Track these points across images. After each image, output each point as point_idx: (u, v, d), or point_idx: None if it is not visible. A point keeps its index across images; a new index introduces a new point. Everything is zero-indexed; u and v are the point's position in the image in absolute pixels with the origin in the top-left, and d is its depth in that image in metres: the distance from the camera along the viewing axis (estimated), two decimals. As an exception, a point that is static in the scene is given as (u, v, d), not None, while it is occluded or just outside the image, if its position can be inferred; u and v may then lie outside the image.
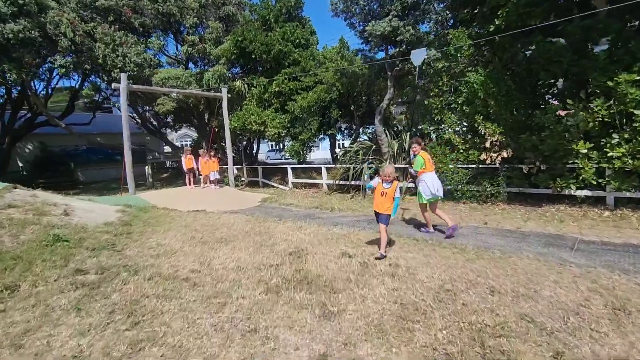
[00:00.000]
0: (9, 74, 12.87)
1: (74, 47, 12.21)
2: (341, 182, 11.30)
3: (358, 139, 13.57)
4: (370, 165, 10.27)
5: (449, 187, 8.54)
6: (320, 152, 43.06)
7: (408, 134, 9.62)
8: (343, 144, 21.19)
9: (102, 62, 12.27)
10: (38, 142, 21.54)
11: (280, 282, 3.75)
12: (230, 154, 13.37)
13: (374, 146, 10.18)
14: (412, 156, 6.04)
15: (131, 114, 23.63)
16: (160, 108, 12.68)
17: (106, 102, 22.49)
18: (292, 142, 13.43)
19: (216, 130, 13.97)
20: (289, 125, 13.38)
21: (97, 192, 16.34)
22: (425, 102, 9.42)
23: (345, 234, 5.94)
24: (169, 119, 22.55)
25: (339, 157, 14.65)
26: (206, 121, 18.86)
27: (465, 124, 8.68)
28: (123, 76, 10.44)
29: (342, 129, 14.43)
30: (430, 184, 5.53)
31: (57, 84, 17.99)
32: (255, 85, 13.67)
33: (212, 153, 11.35)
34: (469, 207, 7.84)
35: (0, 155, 18.88)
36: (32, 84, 16.43)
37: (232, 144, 19.18)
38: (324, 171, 12.21)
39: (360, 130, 14.33)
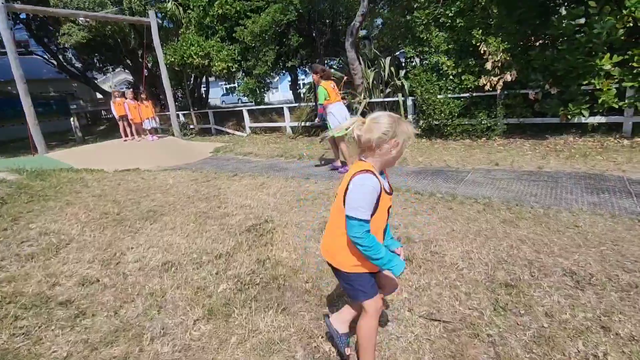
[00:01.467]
0: None
1: None
2: (308, 123, 9.59)
3: (324, 72, 11.59)
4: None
5: (436, 122, 7.18)
6: (279, 94, 39.89)
7: (387, 59, 7.87)
8: (305, 82, 18.94)
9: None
10: None
11: (231, 294, 2.26)
12: (170, 97, 10.97)
13: (345, 77, 8.40)
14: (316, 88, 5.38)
15: (42, 54, 19.39)
16: (67, 40, 9.69)
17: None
18: (246, 79, 11.21)
19: (149, 66, 11.30)
20: (239, 57, 11.03)
21: (12, 154, 13.41)
22: (408, 18, 7.58)
23: (323, 190, 4.46)
24: (93, 60, 18.71)
25: (302, 95, 12.73)
26: (140, 59, 15.67)
27: (455, 43, 7.07)
28: (-4, -10, 7.45)
29: (304, 62, 12.25)
30: (339, 115, 5.13)
31: None
32: (192, 7, 10.87)
33: (143, 96, 8.97)
34: (464, 145, 6.58)
35: None
36: None
37: (177, 87, 16.36)
38: (286, 112, 10.35)
39: (325, 62, 12.26)
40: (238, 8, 10.75)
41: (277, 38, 10.56)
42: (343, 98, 6.06)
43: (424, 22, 7.31)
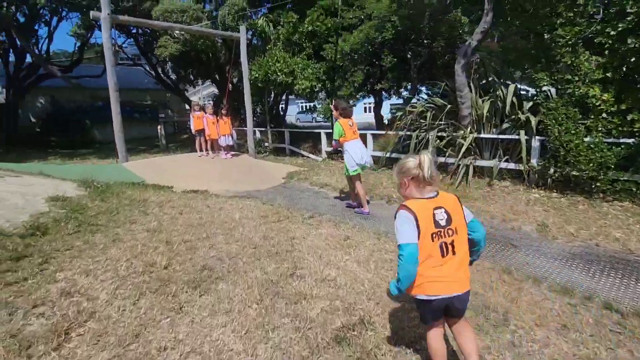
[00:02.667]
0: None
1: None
2: (394, 154, 8.28)
3: (416, 98, 10.27)
4: (441, 135, 7.15)
5: (578, 173, 5.34)
6: (355, 116, 39.34)
7: (510, 87, 6.27)
8: (392, 106, 17.72)
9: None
10: (49, 96, 19.75)
11: None
12: (249, 113, 10.58)
13: (449, 106, 6.98)
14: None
15: (144, 65, 21.21)
16: (162, 52, 9.92)
17: (121, 52, 20.09)
18: (328, 100, 10.37)
19: (233, 81, 11.12)
20: (324, 77, 10.27)
21: (104, 155, 14.36)
22: (545, 37, 5.97)
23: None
24: (187, 73, 19.86)
25: (386, 119, 11.53)
26: (227, 75, 16.02)
27: (615, 71, 5.25)
28: (104, 1, 7.64)
29: (393, 85, 11.07)
30: (353, 152, 5.04)
31: (56, 26, 15.61)
32: (282, 23, 10.48)
33: (223, 111, 8.56)
34: (627, 212, 4.66)
35: (6, 110, 17.24)
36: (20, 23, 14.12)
37: (257, 102, 16.41)
38: (369, 140, 9.17)
39: (417, 87, 10.93)
40: (329, 25, 10.06)
41: (368, 58, 9.57)
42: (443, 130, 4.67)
43: (569, 43, 5.63)
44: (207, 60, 15.71)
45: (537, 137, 6.00)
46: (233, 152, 9.47)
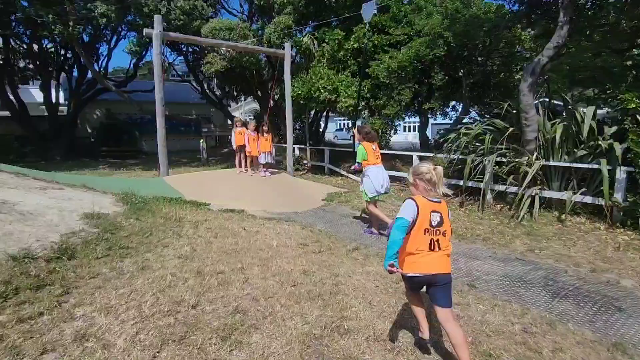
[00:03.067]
0: (53, 27, 11.28)
1: (115, -11, 10.02)
2: (446, 180, 7.60)
3: (467, 119, 9.56)
4: (500, 159, 6.41)
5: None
6: (397, 136, 38.51)
7: (589, 109, 5.44)
8: (439, 126, 16.96)
9: (144, 8, 9.91)
10: (105, 109, 21.07)
11: None
12: (290, 130, 10.37)
13: (511, 129, 6.24)
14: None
15: (190, 79, 22.12)
16: (208, 68, 10.07)
17: (171, 68, 21.15)
18: (372, 119, 9.93)
19: (275, 98, 11.04)
20: (368, 94, 9.88)
21: (149, 167, 14.84)
22: (635, 52, 5.16)
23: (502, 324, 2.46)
24: (230, 89, 20.42)
25: (432, 140, 10.86)
26: (269, 91, 16.17)
27: None
28: (157, 19, 7.85)
29: (441, 105, 10.43)
30: (374, 178, 4.95)
31: (115, 44, 16.65)
32: (327, 40, 10.30)
33: (265, 128, 8.37)
34: None
35: (67, 121, 18.53)
36: (84, 42, 15.15)
37: (296, 119, 16.36)
38: (415, 162, 8.57)
39: (470, 107, 10.20)
40: (376, 42, 9.72)
41: (417, 76, 9.05)
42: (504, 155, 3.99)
43: (666, 59, 4.80)
44: (250, 77, 15.98)
45: (623, 168, 5.12)
46: (272, 170, 9.23)
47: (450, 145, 7.28)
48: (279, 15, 11.29)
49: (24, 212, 3.53)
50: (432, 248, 2.04)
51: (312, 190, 8.21)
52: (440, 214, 2.06)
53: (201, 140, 16.03)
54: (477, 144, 6.87)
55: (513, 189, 6.21)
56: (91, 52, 17.70)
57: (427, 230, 2.02)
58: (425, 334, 2.28)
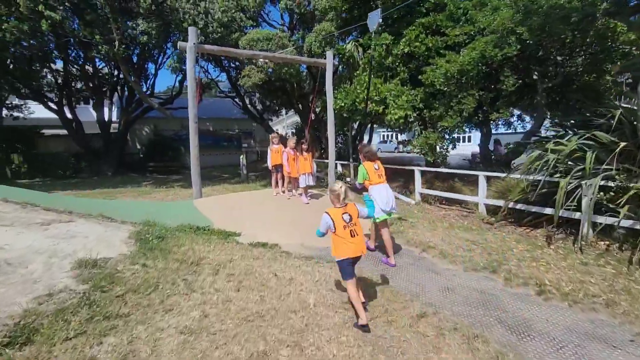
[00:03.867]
0: (100, 47, 11.45)
1: (155, 5, 9.85)
2: (520, 206, 6.12)
3: (543, 129, 7.95)
4: (607, 183, 4.88)
5: None
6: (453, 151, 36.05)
7: None
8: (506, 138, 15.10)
9: (183, 23, 9.61)
10: (152, 125, 21.71)
11: None
12: (332, 145, 9.38)
13: (623, 144, 4.73)
14: None
15: (231, 94, 22.17)
16: (246, 81, 9.48)
17: (213, 84, 21.37)
18: (426, 132, 8.66)
19: (316, 111, 10.19)
20: (421, 105, 8.65)
21: (190, 184, 14.65)
22: None
23: None
24: (271, 103, 20.10)
25: (496, 155, 9.33)
26: (310, 104, 15.47)
27: None
28: (191, 31, 7.35)
29: (512, 112, 8.87)
30: (378, 197, 4.75)
31: (162, 63, 17.01)
32: (373, 46, 9.28)
33: (304, 146, 7.44)
34: None
35: (118, 138, 19.21)
36: (133, 62, 15.52)
37: (338, 132, 15.45)
38: (481, 183, 7.14)
39: (547, 117, 8.53)
40: (430, 45, 8.51)
41: (481, 81, 7.68)
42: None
43: None
44: (291, 90, 15.40)
45: None
46: (312, 192, 8.26)
47: (533, 164, 5.81)
48: (319, 23, 10.51)
49: (1, 261, 2.82)
50: (352, 236, 3.11)
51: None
52: (349, 214, 3.16)
53: (241, 156, 15.62)
54: (570, 163, 5.37)
55: (627, 222, 4.66)
56: (140, 71, 18.30)
57: (344, 226, 3.11)
58: (364, 319, 2.91)
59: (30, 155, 19.36)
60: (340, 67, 11.28)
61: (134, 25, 10.27)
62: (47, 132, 21.13)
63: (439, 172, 8.51)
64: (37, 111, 18.65)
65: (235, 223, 6.14)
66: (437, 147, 8.27)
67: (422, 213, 8.04)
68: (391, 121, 8.33)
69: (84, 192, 11.49)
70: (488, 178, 7.23)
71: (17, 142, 19.52)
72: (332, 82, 9.28)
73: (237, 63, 15.45)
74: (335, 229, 3.11)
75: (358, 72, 9.44)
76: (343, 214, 3.12)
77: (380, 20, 7.96)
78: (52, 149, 20.11)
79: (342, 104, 8.81)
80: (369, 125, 14.74)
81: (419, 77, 8.53)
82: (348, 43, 9.96)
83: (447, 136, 8.59)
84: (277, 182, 7.84)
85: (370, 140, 16.14)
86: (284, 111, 21.78)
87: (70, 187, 13.67)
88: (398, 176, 10.48)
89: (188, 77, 7.55)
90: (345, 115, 8.94)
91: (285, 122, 39.45)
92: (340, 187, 3.16)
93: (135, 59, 17.59)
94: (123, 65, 12.02)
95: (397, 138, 42.94)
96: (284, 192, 7.73)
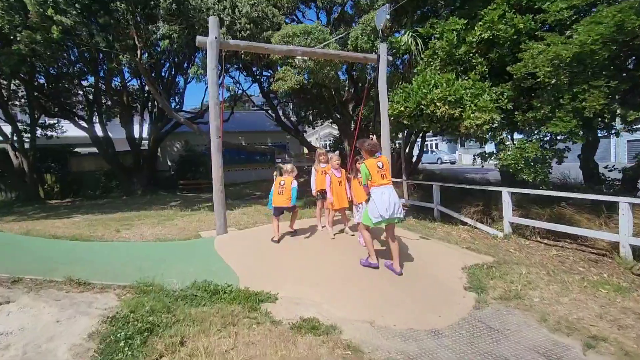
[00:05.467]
0: (121, 57, 10.34)
1: (176, 4, 8.53)
2: None
3: None
4: None
5: None
6: (465, 156, 32.74)
7: None
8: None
9: (206, 21, 8.16)
10: (183, 141, 20.84)
11: None
12: (388, 158, 7.40)
13: None
14: None
15: (263, 106, 20.84)
16: (280, 86, 7.79)
17: (245, 97, 20.22)
18: (520, 141, 6.47)
19: (362, 119, 8.33)
20: (509, 105, 6.50)
21: (232, 197, 13.21)
22: None
23: None
24: (306, 114, 18.50)
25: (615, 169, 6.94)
26: (351, 113, 13.62)
27: None
28: (212, 22, 5.79)
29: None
30: (379, 201, 4.25)
31: (190, 79, 15.97)
32: (437, 35, 7.30)
33: (358, 164, 5.52)
34: None
35: (148, 155, 18.40)
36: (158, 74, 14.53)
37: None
38: (625, 213, 4.82)
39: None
40: (521, 26, 6.38)
41: (609, 67, 5.41)
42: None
43: None
44: (329, 97, 13.68)
45: None
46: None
47: None
48: (367, 14, 8.69)
49: None
50: (280, 193, 5.41)
51: (439, 264, 4.99)
52: (284, 182, 5.40)
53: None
54: None
55: None
56: (170, 85, 17.45)
57: (279, 189, 5.45)
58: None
59: (63, 174, 19.05)
60: (396, 62, 9.34)
61: (154, 29, 8.99)
62: (82, 150, 20.90)
63: (540, 195, 6.23)
64: (70, 130, 18.24)
65: (269, 276, 4.32)
66: (541, 164, 6.02)
67: (521, 252, 5.81)
68: (470, 128, 6.23)
69: (103, 217, 10.28)
70: (633, 205, 4.90)
71: (51, 162, 19.36)
72: (385, 82, 7.37)
73: (270, 71, 14.02)
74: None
75: (419, 68, 7.46)
76: (280, 182, 5.39)
77: (388, 16, 7.14)
78: (86, 167, 19.73)
79: (402, 108, 6.84)
80: (421, 133, 12.61)
81: (507, 68, 6.40)
82: (404, 34, 8.04)
83: (547, 146, 6.32)
84: (320, 213, 5.96)
85: (421, 153, 13.94)
86: (319, 122, 20.08)
87: (95, 209, 12.67)
88: (470, 197, 8.24)
89: (209, 81, 5.95)
90: (405, 122, 6.97)
91: (318, 134, 37.89)
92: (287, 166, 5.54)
93: (164, 74, 16.76)
94: (146, 76, 10.84)
95: (437, 147, 39.92)
96: (331, 228, 5.80)
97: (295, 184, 5.30)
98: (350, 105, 13.79)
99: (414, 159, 13.68)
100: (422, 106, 6.52)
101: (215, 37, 5.87)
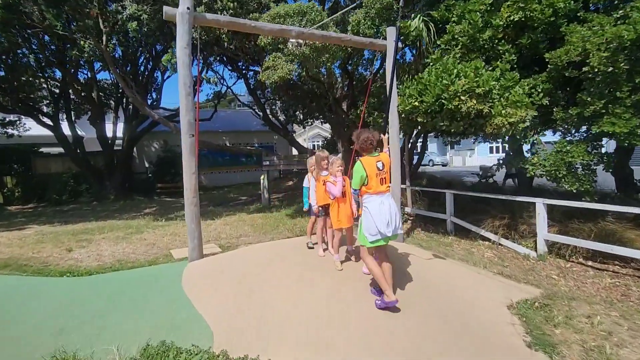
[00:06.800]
0: (83, 42, 8.87)
1: (145, -22, 7.18)
2: None
3: None
4: None
5: None
6: (475, 159, 32.12)
7: None
8: None
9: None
10: (162, 141, 19.26)
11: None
12: (397, 165, 6.24)
13: None
14: None
15: (250, 105, 19.50)
16: (269, 75, 6.48)
17: (230, 94, 18.82)
18: (560, 142, 5.40)
19: (361, 117, 7.18)
20: (545, 99, 5.44)
21: (214, 202, 11.91)
22: None
23: None
24: (296, 113, 17.26)
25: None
26: (345, 110, 12.45)
27: None
28: (182, -11, 4.49)
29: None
30: (376, 214, 3.30)
31: (167, 77, 14.47)
32: (455, 18, 6.19)
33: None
34: None
35: (121, 156, 16.79)
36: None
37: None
38: None
39: None
40: (560, 5, 5.32)
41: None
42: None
43: None
44: (321, 94, 12.48)
45: None
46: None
47: None
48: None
49: None
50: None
51: (475, 299, 3.83)
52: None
53: (262, 177, 12.71)
54: None
55: None
56: (147, 79, 15.93)
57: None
58: None
59: (26, 177, 17.21)
60: (406, 51, 8.19)
61: (120, 8, 7.60)
62: (49, 150, 19.03)
63: (576, 207, 5.16)
64: (35, 128, 16.44)
65: (258, 332, 3.06)
66: (589, 172, 4.96)
67: (567, 280, 4.73)
68: (502, 127, 5.13)
69: (60, 229, 8.78)
70: None
71: (12, 163, 17.49)
72: (393, 72, 6.20)
73: (258, 66, 12.72)
74: None
75: (434, 56, 6.33)
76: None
77: None
78: (52, 169, 17.90)
79: (417, 103, 5.69)
80: (423, 133, 11.56)
81: (545, 55, 5.33)
82: (415, 18, 6.91)
83: (590, 150, 5.28)
84: (322, 236, 4.72)
85: (423, 154, 12.89)
86: (309, 121, 18.86)
87: (56, 218, 11.11)
88: (490, 207, 7.15)
89: (179, 63, 4.65)
90: (420, 120, 5.82)
91: (306, 135, 36.57)
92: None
93: (141, 67, 15.24)
94: (112, 65, 9.39)
95: (427, 149, 39.17)
96: (333, 253, 4.57)
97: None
98: (345, 103, 12.61)
99: (413, 162, 12.63)
100: (443, 100, 5.37)
101: (188, 8, 4.58)
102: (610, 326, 3.35)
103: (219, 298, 3.56)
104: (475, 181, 12.03)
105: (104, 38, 8.85)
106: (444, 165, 32.26)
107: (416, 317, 3.31)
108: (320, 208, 4.38)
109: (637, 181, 6.81)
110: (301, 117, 17.46)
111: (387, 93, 5.65)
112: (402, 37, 7.21)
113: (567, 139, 5.60)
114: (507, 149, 6.82)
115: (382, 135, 4.34)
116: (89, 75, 14.33)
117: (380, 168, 3.43)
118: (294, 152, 18.92)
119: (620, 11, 4.93)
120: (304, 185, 4.98)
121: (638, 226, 5.30)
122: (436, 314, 3.42)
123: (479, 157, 32.78)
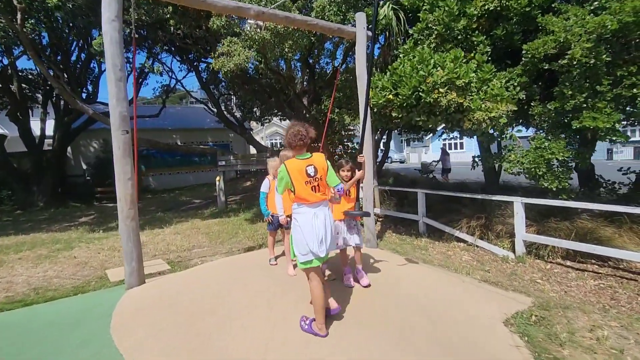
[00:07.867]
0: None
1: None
2: None
3: None
4: None
5: None
6: (431, 156, 33.18)
7: None
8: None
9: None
10: (101, 140, 17.26)
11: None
12: (370, 163, 5.71)
13: None
14: None
15: (204, 100, 18.14)
16: (224, 63, 5.59)
17: (181, 88, 17.31)
18: (537, 139, 5.16)
19: (311, 113, 6.58)
20: (521, 93, 5.18)
21: (151, 216, 10.58)
22: None
23: None
24: (253, 109, 16.27)
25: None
26: (306, 105, 11.77)
27: None
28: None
29: None
30: (307, 230, 2.72)
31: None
32: (427, 6, 5.77)
33: (345, 171, 3.69)
34: None
35: (53, 157, 14.71)
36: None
37: (339, 140, 11.85)
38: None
39: None
40: (536, -5, 5.07)
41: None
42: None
43: None
44: (280, 88, 11.72)
45: None
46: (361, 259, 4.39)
47: None
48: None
49: None
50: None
51: (466, 314, 3.36)
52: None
53: (217, 178, 11.64)
54: None
55: None
56: (81, 70, 14.06)
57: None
58: None
59: None
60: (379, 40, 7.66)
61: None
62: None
63: (555, 205, 4.96)
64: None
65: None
66: (563, 168, 4.77)
67: (550, 284, 4.48)
68: (482, 122, 4.78)
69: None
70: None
71: None
72: (366, 61, 5.65)
73: (212, 56, 11.57)
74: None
75: (406, 46, 5.87)
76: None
77: None
78: (-34, 173, 15.26)
79: (391, 96, 5.18)
80: (386, 131, 11.25)
81: (523, 47, 5.06)
82: (382, 6, 6.41)
83: (585, 148, 5.11)
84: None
85: (387, 150, 12.60)
86: (267, 119, 17.94)
87: (-36, 232, 9.22)
88: (456, 205, 6.88)
89: (105, 41, 3.68)
90: (394, 114, 5.32)
91: (263, 133, 35.36)
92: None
93: (73, 56, 13.37)
94: (30, 49, 7.88)
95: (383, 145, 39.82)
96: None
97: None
98: (306, 99, 11.94)
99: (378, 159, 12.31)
100: (421, 93, 4.90)
101: (116, -29, 3.62)
102: (617, 341, 3.03)
103: (162, 350, 2.71)
104: (441, 178, 12.07)
105: (19, 15, 7.36)
106: (401, 162, 32.84)
107: (399, 343, 2.73)
108: (288, 219, 3.67)
109: (598, 177, 6.89)
110: (259, 113, 16.52)
111: (362, 87, 5.06)
112: (369, 27, 6.68)
113: (542, 134, 5.39)
114: (483, 145, 6.55)
115: (358, 156, 3.73)
116: (5, 62, 12.23)
117: (312, 174, 2.77)
118: (252, 150, 17.90)
119: (596, 2, 4.78)
120: (261, 190, 4.25)
121: (611, 223, 5.24)
122: (425, 337, 2.87)
123: (433, 153, 33.80)
